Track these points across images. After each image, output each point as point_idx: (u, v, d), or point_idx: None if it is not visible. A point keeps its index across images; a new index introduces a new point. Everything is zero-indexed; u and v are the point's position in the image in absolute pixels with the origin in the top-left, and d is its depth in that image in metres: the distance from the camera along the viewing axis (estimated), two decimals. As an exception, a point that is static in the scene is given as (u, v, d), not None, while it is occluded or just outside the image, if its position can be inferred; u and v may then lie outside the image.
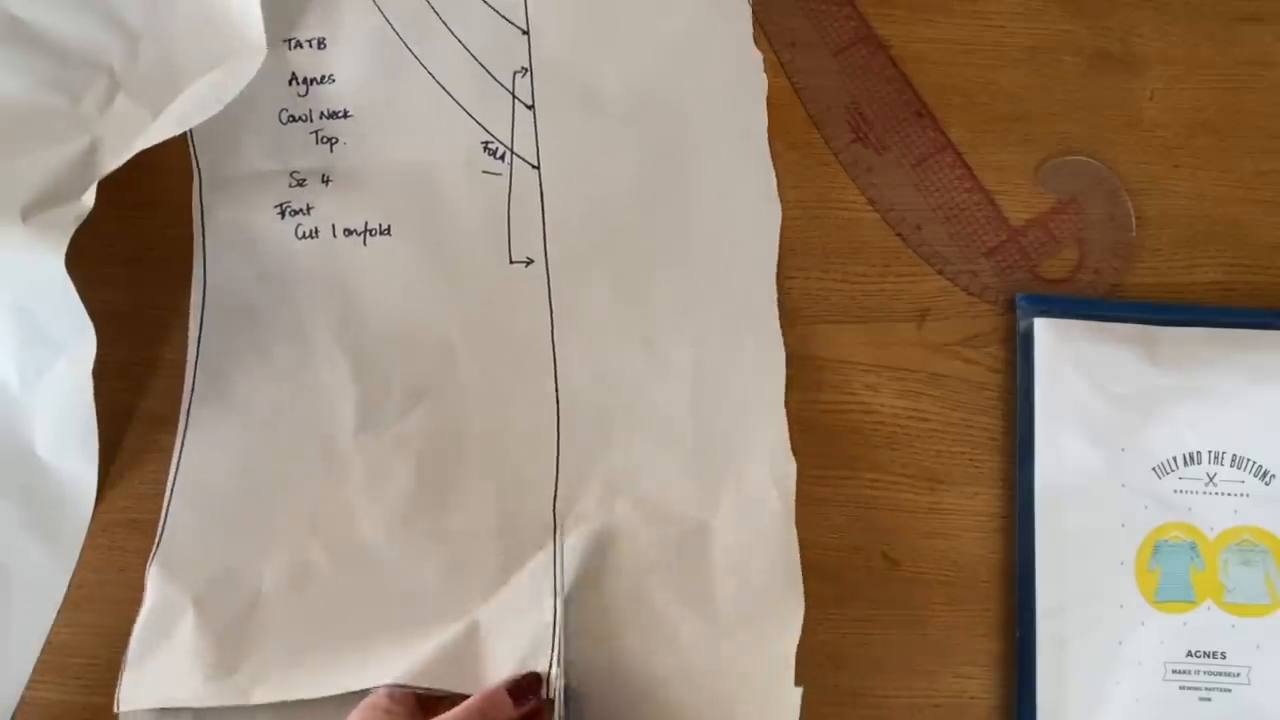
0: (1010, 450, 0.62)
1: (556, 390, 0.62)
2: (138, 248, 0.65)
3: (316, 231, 0.64)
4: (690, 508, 0.61)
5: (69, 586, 0.60)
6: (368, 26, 0.65)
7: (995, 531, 0.61)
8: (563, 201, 0.64)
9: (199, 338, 0.63)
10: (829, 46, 0.67)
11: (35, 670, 0.59)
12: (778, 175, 0.65)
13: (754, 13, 0.67)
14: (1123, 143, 0.66)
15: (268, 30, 0.64)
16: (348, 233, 0.64)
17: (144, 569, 0.60)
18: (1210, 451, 0.60)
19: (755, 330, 0.63)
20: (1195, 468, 0.60)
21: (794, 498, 0.61)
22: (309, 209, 0.64)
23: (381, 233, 0.64)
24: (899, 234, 0.65)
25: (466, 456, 0.61)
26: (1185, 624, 0.59)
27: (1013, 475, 0.62)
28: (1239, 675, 0.59)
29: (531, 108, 0.65)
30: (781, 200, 0.65)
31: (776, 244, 0.64)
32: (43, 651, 0.59)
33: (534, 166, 0.65)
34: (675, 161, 0.65)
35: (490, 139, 0.65)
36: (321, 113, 0.65)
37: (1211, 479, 0.60)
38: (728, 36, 0.66)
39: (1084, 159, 0.65)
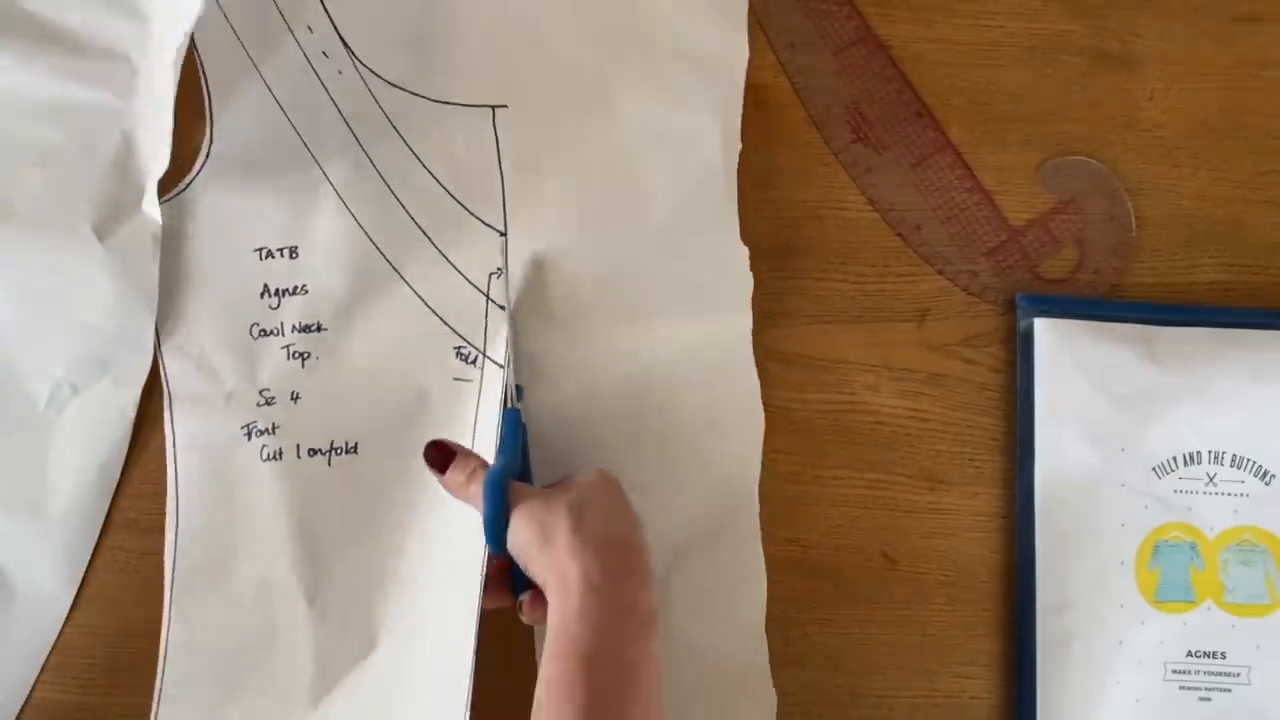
0: (1010, 450, 0.62)
1: None
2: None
3: (280, 453, 0.61)
4: None
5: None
6: (341, 232, 0.63)
7: (995, 531, 0.61)
8: (536, 408, 0.61)
9: (173, 569, 0.60)
10: (829, 46, 0.67)
11: (34, 670, 0.60)
12: (778, 176, 0.65)
13: (754, 13, 0.67)
14: (1123, 143, 0.66)
15: (239, 240, 0.62)
16: (312, 453, 0.61)
17: (143, 569, 0.60)
18: (1210, 451, 0.60)
19: (739, 558, 0.60)
20: (1195, 468, 0.60)
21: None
22: (275, 429, 0.61)
23: (348, 451, 0.61)
24: (899, 234, 0.65)
25: (422, 705, 0.56)
26: (1185, 624, 0.59)
27: (1013, 475, 0.61)
28: (1239, 675, 0.59)
29: (504, 308, 0.62)
30: (781, 201, 0.65)
31: (760, 447, 0.61)
32: (41, 651, 0.60)
33: (501, 366, 0.61)
34: (658, 369, 0.62)
35: (463, 344, 0.62)
36: (294, 326, 0.62)
37: (1211, 479, 0.60)
38: (712, 231, 0.63)
39: (1084, 159, 0.65)
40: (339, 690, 0.59)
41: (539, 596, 0.52)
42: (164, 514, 0.60)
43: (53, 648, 0.59)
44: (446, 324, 0.62)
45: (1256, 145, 0.66)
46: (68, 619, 0.60)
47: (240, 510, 0.60)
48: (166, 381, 0.62)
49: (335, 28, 0.65)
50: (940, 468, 0.62)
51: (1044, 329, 0.62)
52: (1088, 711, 0.58)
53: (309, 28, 0.64)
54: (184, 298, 0.62)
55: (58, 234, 0.62)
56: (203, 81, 0.64)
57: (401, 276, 0.63)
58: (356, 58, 0.64)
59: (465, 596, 0.54)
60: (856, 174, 0.65)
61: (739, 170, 0.64)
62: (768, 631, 0.60)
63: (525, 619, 0.53)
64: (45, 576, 0.60)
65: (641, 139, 0.64)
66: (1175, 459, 0.60)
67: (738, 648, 0.60)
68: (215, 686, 0.59)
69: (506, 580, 0.55)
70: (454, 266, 0.63)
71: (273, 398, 0.62)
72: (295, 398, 0.62)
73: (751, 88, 0.66)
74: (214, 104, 0.64)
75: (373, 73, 0.64)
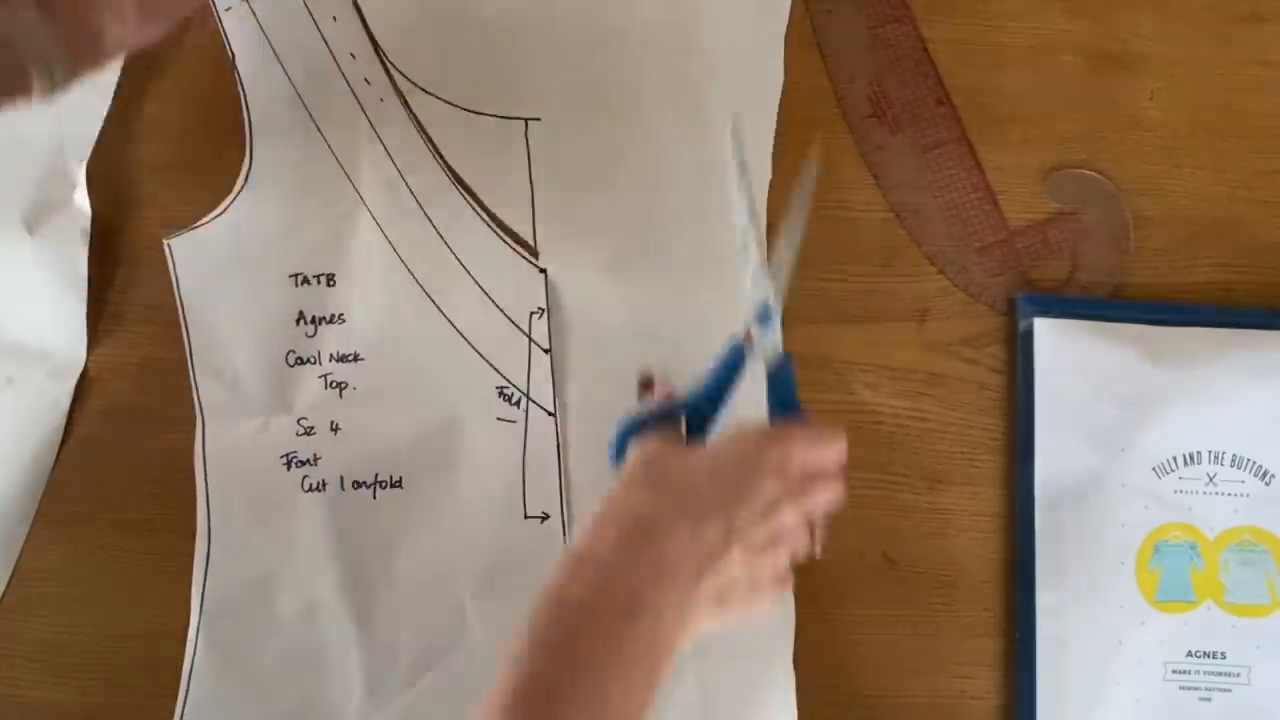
0: (1010, 450, 0.62)
1: None
2: (134, 245, 0.64)
3: (324, 484, 0.60)
4: None
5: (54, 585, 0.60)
6: (379, 261, 0.62)
7: (995, 531, 0.61)
8: (582, 453, 0.60)
9: (202, 592, 0.59)
10: (866, 20, 0.66)
11: (34, 670, 0.59)
12: (782, 161, 0.65)
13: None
14: (1123, 143, 0.66)
15: (274, 264, 0.61)
16: (357, 485, 0.60)
17: (142, 569, 0.60)
18: (1210, 451, 0.60)
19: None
20: (1195, 468, 0.60)
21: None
22: (316, 459, 0.60)
23: (393, 485, 0.60)
24: (896, 214, 0.64)
25: None
26: (1185, 624, 0.59)
27: (1013, 475, 0.61)
28: (1239, 675, 0.59)
29: (549, 351, 0.61)
30: (781, 199, 0.65)
31: None
32: (42, 651, 0.59)
33: (550, 414, 0.61)
34: None
35: (506, 384, 0.61)
36: (331, 355, 0.61)
37: (1211, 479, 0.60)
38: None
39: (1096, 175, 0.65)
40: (391, 710, 0.58)
41: None
42: (164, 515, 0.61)
43: (52, 648, 0.59)
44: (487, 361, 0.61)
45: (1256, 145, 0.66)
46: (66, 619, 0.60)
47: (282, 537, 0.60)
48: (199, 402, 0.61)
49: (375, 46, 0.64)
50: (940, 467, 0.62)
51: (1044, 329, 0.62)
52: (1088, 711, 0.58)
53: (352, 55, 0.64)
54: (216, 319, 0.62)
55: None
56: (244, 104, 0.63)
57: (440, 310, 0.62)
58: (396, 68, 0.63)
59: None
60: (867, 149, 0.65)
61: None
62: (768, 631, 0.60)
63: None
64: None
65: (672, 162, 0.64)
66: (1175, 459, 0.60)
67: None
68: (251, 706, 0.58)
69: None
70: (493, 302, 0.62)
71: (312, 428, 0.61)
72: (335, 428, 0.61)
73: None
74: (254, 127, 0.63)
75: (411, 82, 0.64)
